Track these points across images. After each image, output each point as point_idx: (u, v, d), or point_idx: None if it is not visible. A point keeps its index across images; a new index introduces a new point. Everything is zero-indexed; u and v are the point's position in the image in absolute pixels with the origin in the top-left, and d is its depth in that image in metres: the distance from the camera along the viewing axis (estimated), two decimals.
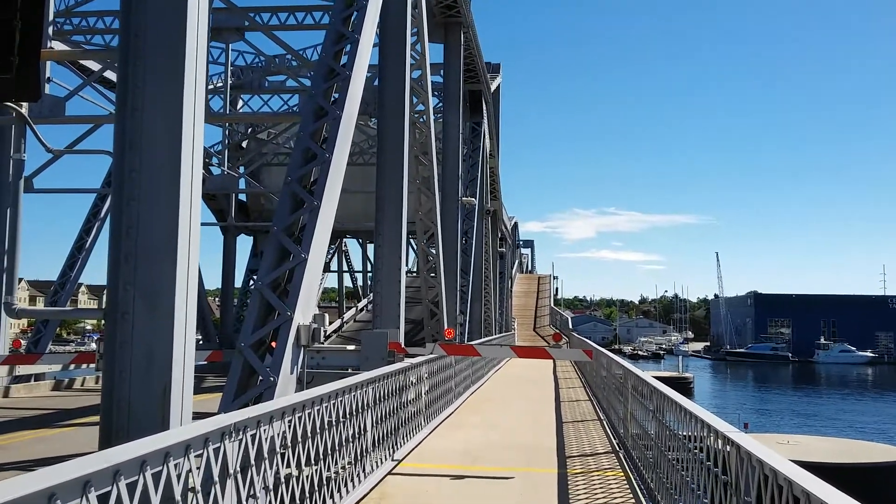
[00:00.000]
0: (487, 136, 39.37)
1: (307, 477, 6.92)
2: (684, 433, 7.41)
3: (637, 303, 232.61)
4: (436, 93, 29.47)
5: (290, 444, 6.51)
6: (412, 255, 38.84)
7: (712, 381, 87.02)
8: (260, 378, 9.85)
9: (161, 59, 7.43)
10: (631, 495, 9.30)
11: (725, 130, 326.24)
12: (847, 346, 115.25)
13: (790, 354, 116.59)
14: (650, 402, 9.82)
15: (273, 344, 10.30)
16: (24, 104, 17.54)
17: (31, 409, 18.94)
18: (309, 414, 7.05)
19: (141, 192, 7.27)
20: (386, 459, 10.29)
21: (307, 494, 6.88)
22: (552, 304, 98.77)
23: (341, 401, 8.14)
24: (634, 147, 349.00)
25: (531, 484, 9.86)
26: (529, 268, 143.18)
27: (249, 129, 36.56)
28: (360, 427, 8.92)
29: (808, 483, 3.96)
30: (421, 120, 21.52)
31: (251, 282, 36.65)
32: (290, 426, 6.53)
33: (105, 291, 7.43)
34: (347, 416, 8.37)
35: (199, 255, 7.78)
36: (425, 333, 22.72)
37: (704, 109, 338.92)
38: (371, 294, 23.34)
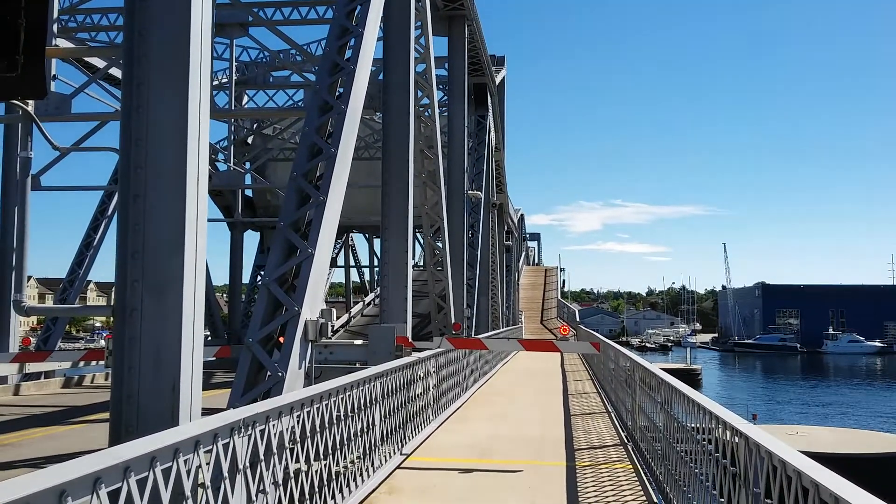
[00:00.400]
0: (492, 129, 39.32)
1: (316, 472, 6.94)
2: (693, 425, 7.41)
3: (644, 295, 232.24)
4: (440, 86, 29.46)
5: (299, 439, 6.53)
6: (419, 249, 38.97)
7: (721, 372, 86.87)
8: (268, 373, 9.88)
9: (166, 55, 7.44)
10: (640, 487, 9.30)
11: (731, 120, 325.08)
12: (856, 337, 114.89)
13: (798, 345, 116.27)
14: (658, 394, 9.81)
15: (281, 339, 10.34)
16: (31, 102, 17.61)
17: (41, 406, 19.04)
18: (317, 409, 7.07)
19: (147, 189, 7.29)
20: (394, 454, 10.31)
21: (316, 489, 6.90)
22: (559, 297, 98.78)
23: (349, 395, 8.15)
24: (640, 138, 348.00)
25: (540, 477, 9.87)
26: (536, 261, 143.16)
27: (255, 125, 36.60)
28: (368, 421, 8.94)
29: (817, 474, 3.95)
30: (426, 114, 21.49)
31: (258, 277, 36.72)
32: (298, 421, 6.55)
33: (113, 288, 7.45)
34: (356, 410, 8.39)
35: (207, 251, 7.80)
36: (432, 327, 22.73)
37: (710, 99, 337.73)
38: (378, 288, 23.34)
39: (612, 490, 9.14)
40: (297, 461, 6.48)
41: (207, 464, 4.74)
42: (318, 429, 7.04)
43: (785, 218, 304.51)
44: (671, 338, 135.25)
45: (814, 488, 3.90)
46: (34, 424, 15.73)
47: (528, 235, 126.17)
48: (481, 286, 34.92)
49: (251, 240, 39.19)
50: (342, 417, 7.87)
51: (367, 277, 49.94)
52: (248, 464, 5.34)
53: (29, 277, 27.24)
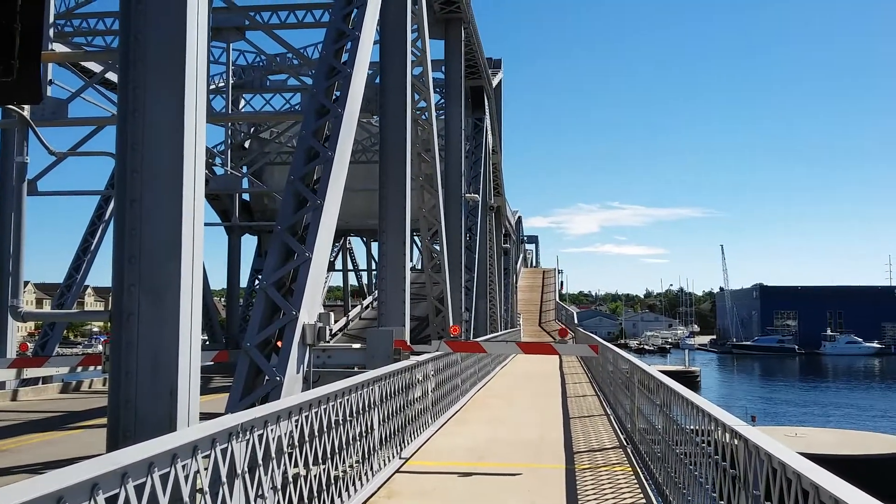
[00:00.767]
0: (490, 132, 39.32)
1: (315, 476, 6.92)
2: (692, 427, 7.40)
3: (642, 297, 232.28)
4: (437, 89, 29.43)
5: (297, 444, 6.51)
6: (416, 252, 38.94)
7: (719, 374, 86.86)
8: (266, 378, 9.85)
9: (162, 59, 7.42)
10: (639, 490, 9.28)
11: (728, 123, 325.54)
12: (854, 338, 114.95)
13: (797, 346, 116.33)
14: (657, 397, 9.80)
15: (279, 343, 10.30)
16: (27, 107, 17.57)
17: (38, 411, 18.99)
18: (316, 413, 7.05)
19: (144, 193, 7.27)
20: (393, 457, 10.28)
21: (315, 494, 6.88)
22: (557, 299, 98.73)
23: (348, 399, 8.13)
24: (637, 140, 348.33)
25: (539, 480, 9.85)
26: (534, 263, 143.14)
27: (252, 129, 36.60)
28: (366, 425, 8.92)
29: (817, 476, 3.94)
30: (423, 117, 21.49)
31: (256, 282, 36.70)
32: (297, 425, 6.52)
33: (111, 293, 7.43)
34: (354, 414, 8.36)
35: (204, 255, 7.77)
36: (430, 330, 22.71)
37: (706, 99, 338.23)
38: (376, 292, 23.35)
39: (611, 493, 9.12)
40: (296, 466, 6.46)
41: (206, 469, 4.71)
42: (316, 433, 7.02)
43: (782, 219, 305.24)
44: (669, 340, 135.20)
45: (814, 490, 3.89)
46: (32, 430, 15.68)
47: (525, 238, 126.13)
48: (479, 289, 34.90)
49: (249, 244, 39.40)
50: (341, 422, 7.85)
51: (364, 281, 49.95)
52: (246, 469, 5.32)
53: (26, 283, 27.17)
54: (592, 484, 9.60)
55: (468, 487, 9.47)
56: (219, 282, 39.36)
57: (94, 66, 25.58)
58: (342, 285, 50.37)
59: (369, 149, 33.78)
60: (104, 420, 7.43)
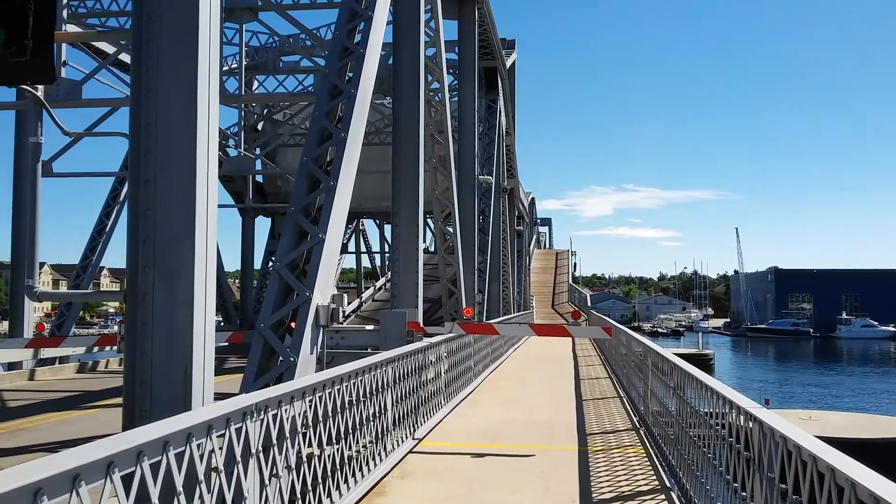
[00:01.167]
0: (503, 114, 39.10)
1: (329, 456, 6.96)
2: (705, 410, 7.38)
3: (656, 280, 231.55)
4: (450, 70, 29.26)
5: (311, 424, 6.54)
6: (429, 234, 38.91)
7: (733, 357, 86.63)
8: (280, 358, 9.90)
9: (175, 41, 7.39)
10: (652, 472, 9.29)
11: (744, 105, 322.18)
12: (869, 321, 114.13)
13: (811, 330, 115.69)
14: (671, 379, 9.78)
15: (292, 325, 10.34)
16: (41, 88, 17.63)
17: (55, 391, 19.21)
18: (329, 393, 7.08)
19: (158, 174, 7.27)
20: (406, 438, 10.33)
21: (329, 473, 6.92)
22: (570, 282, 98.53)
23: (361, 380, 8.16)
24: (652, 123, 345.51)
25: (552, 461, 9.87)
26: (547, 245, 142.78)
27: (265, 111, 36.52)
28: (380, 406, 8.95)
29: (832, 458, 3.92)
30: (436, 98, 21.37)
31: (270, 263, 36.81)
32: (310, 406, 6.56)
33: (125, 274, 7.46)
34: (367, 395, 8.40)
35: (218, 237, 7.79)
36: (443, 312, 22.72)
37: (723, 84, 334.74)
38: (389, 274, 23.36)
39: (624, 474, 9.13)
40: (310, 445, 6.50)
41: (220, 448, 4.75)
42: (330, 413, 7.06)
43: (798, 202, 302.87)
44: (683, 323, 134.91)
45: (829, 473, 3.87)
46: (49, 409, 15.87)
47: (538, 220, 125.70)
48: (492, 271, 34.86)
49: (262, 225, 39.42)
50: (354, 402, 7.88)
51: (377, 263, 50.00)
52: (260, 448, 5.36)
53: (43, 264, 27.38)
54: (605, 466, 9.61)
55: (481, 468, 9.51)
56: (233, 263, 39.61)
57: (108, 47, 25.58)
58: (355, 267, 50.49)
59: (382, 130, 33.67)
60: (120, 399, 7.49)
